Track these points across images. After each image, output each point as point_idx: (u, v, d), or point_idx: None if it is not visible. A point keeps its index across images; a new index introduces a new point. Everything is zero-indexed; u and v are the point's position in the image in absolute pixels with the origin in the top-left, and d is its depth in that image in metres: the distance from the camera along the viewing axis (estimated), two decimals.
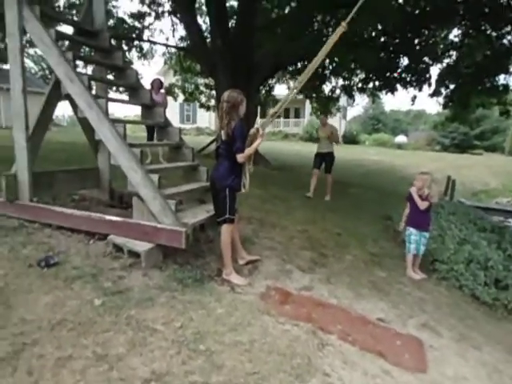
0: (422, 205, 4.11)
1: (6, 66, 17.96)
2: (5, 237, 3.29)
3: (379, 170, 16.49)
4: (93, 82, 4.09)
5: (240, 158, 3.18)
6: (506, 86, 10.20)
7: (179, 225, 3.10)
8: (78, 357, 2.03)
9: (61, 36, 3.75)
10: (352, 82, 12.92)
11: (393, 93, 11.55)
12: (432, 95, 11.21)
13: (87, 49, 7.71)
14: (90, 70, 10.35)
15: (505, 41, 9.87)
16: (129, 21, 12.62)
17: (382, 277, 4.01)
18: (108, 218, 3.32)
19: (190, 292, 2.88)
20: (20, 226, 3.54)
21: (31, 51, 20.00)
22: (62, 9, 11.94)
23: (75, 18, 10.76)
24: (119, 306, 2.52)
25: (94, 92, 3.96)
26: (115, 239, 3.24)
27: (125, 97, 11.77)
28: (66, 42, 4.31)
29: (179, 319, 2.50)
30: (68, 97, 3.56)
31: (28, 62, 22.51)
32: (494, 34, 9.83)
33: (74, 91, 3.32)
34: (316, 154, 7.50)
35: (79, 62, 7.64)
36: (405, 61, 11.25)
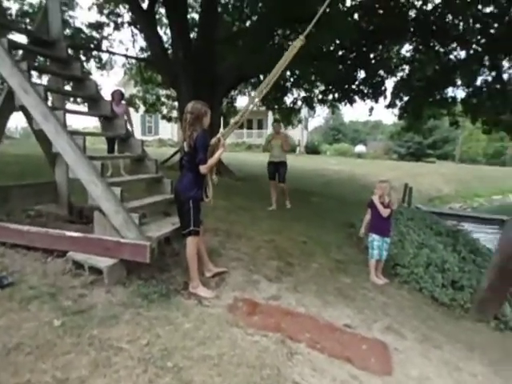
0: (385, 212, 4.26)
1: None
2: None
3: (340, 179, 16.97)
4: (49, 94, 3.94)
5: (203, 169, 3.16)
6: (453, 98, 10.90)
7: (143, 239, 3.03)
8: (36, 382, 1.91)
9: (14, 45, 3.59)
10: (312, 94, 13.28)
11: (351, 104, 12.00)
12: (388, 106, 11.75)
13: (42, 59, 7.45)
14: (45, 80, 9.97)
15: (452, 56, 10.59)
16: (87, 31, 12.33)
17: (347, 283, 4.10)
18: (67, 233, 3.18)
19: (156, 307, 2.80)
20: None
21: None
22: (14, 17, 11.46)
23: (29, 27, 10.37)
24: (81, 326, 2.40)
25: (50, 103, 3.81)
26: (75, 256, 3.10)
27: (84, 108, 11.41)
28: (20, 52, 4.12)
29: (145, 336, 2.42)
30: (22, 108, 3.42)
31: None
32: (441, 50, 10.52)
33: (29, 103, 3.19)
34: (269, 162, 7.35)
35: (34, 73, 7.35)
36: (362, 74, 11.76)
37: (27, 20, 11.13)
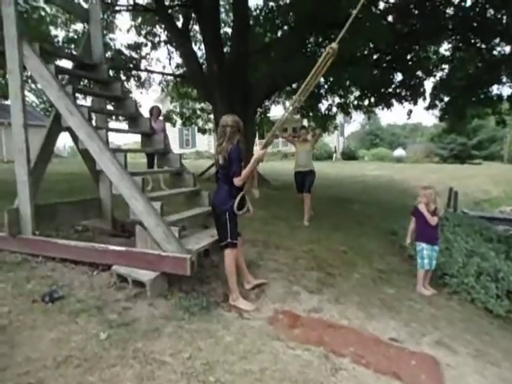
0: (433, 220, 4.07)
1: (7, 102, 18.29)
2: (8, 272, 3.26)
3: (379, 184, 16.48)
4: (93, 114, 4.14)
5: (237, 181, 3.18)
6: (499, 96, 10.30)
7: (183, 251, 3.07)
8: None
9: (60, 71, 3.82)
10: (348, 100, 13.08)
11: (388, 108, 11.67)
12: (427, 108, 11.32)
13: (86, 81, 7.86)
14: (89, 100, 10.51)
15: (495, 52, 10.04)
16: (126, 52, 12.92)
17: (392, 294, 3.94)
18: (111, 248, 3.29)
19: (197, 320, 2.82)
20: (23, 260, 3.51)
21: (32, 85, 20.40)
22: (60, 43, 12.25)
23: (74, 52, 11.03)
24: (125, 339, 2.46)
25: (94, 123, 4.01)
26: (119, 269, 3.20)
27: (124, 125, 11.92)
28: (66, 76, 4.37)
29: (187, 350, 2.44)
30: (69, 129, 3.60)
31: (29, 96, 22.90)
32: (484, 46, 10.02)
33: (75, 124, 3.36)
34: (295, 172, 6.56)
35: (79, 94, 7.78)
36: (398, 76, 11.44)
37: (72, 46, 11.82)
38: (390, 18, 9.92)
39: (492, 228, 7.17)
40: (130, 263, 3.19)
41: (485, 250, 4.85)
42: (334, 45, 3.29)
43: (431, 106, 11.22)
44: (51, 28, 13.02)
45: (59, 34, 12.59)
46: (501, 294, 3.95)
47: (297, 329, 2.95)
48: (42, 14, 12.53)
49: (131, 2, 12.45)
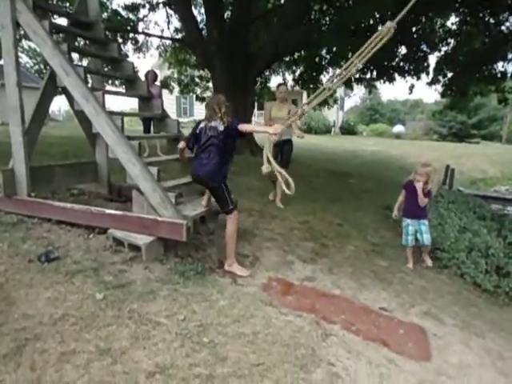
0: (423, 201, 4.05)
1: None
2: (4, 232, 3.26)
3: (377, 160, 16.45)
4: (89, 75, 4.03)
5: (241, 126, 3.14)
6: (504, 74, 10.13)
7: (179, 217, 3.08)
8: (81, 351, 2.02)
9: (55, 28, 3.67)
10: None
11: (391, 82, 11.47)
12: (430, 84, 11.14)
13: (81, 42, 7.61)
14: (85, 62, 10.22)
15: (503, 27, 9.79)
16: (123, 13, 12.45)
17: (384, 266, 4.00)
18: (108, 211, 3.29)
19: (192, 285, 2.86)
20: (19, 221, 3.51)
21: (25, 45, 19.78)
22: (54, 1, 11.76)
23: (69, 10, 10.60)
24: (121, 300, 2.50)
25: (90, 84, 3.90)
26: (115, 233, 3.21)
27: (121, 89, 11.64)
28: (61, 34, 4.22)
29: (182, 312, 2.49)
30: (64, 90, 3.52)
31: (23, 57, 22.22)
32: (492, 20, 9.75)
33: (70, 83, 3.27)
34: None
35: (74, 55, 7.55)
36: (403, 49, 11.16)
37: (67, 4, 11.35)
38: None
39: (486, 206, 7.24)
40: (126, 227, 3.20)
41: (477, 227, 4.91)
42: (390, 23, 2.93)
43: (434, 82, 11.03)
44: None
45: None
46: (490, 270, 4.02)
47: (290, 296, 3.01)
48: None
49: None
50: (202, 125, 3.31)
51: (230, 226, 3.27)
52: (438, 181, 4.23)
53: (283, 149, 5.23)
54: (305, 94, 23.51)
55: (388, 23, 2.95)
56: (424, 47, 10.86)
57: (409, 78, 11.21)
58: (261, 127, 3.24)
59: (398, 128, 37.00)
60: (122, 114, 3.42)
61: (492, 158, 20.27)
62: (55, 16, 7.28)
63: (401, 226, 5.12)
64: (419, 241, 4.17)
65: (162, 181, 3.37)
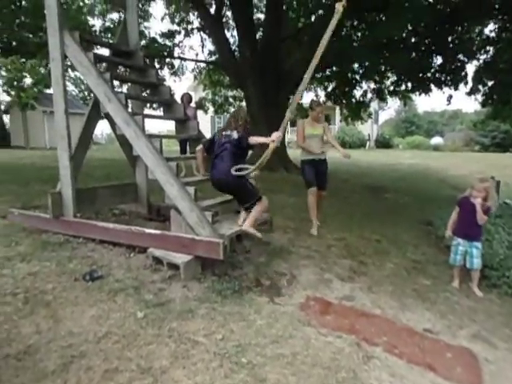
0: (482, 220, 3.79)
1: (49, 90, 19.08)
2: (52, 252, 3.44)
3: (415, 173, 15.95)
4: (129, 100, 4.24)
5: (251, 139, 3.45)
6: None
7: (216, 236, 3.12)
8: (123, 369, 2.06)
9: (98, 58, 3.92)
10: (383, 85, 12.65)
11: (427, 93, 11.20)
12: (469, 94, 10.76)
13: (122, 69, 8.03)
14: (125, 87, 10.76)
15: None
16: (160, 40, 13.08)
17: (427, 285, 3.83)
18: (147, 231, 3.39)
19: (230, 303, 2.87)
20: (65, 241, 3.69)
21: (71, 74, 21.13)
22: (98, 33, 12.57)
23: (111, 41, 11.28)
24: (161, 319, 2.55)
25: (130, 109, 4.10)
26: (155, 252, 3.30)
27: (159, 112, 12.13)
28: (104, 63, 4.49)
29: (220, 331, 2.49)
30: (107, 115, 3.71)
31: (68, 85, 23.79)
32: None
33: (113, 110, 3.45)
34: (306, 161, 4.99)
35: (116, 82, 7.98)
36: (438, 60, 10.91)
37: (109, 35, 12.10)
38: None
39: None
40: (165, 246, 3.28)
41: None
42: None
43: (473, 91, 10.65)
44: (89, 18, 13.39)
45: (96, 23, 12.90)
46: None
47: (328, 316, 2.94)
48: (81, 4, 12.88)
49: None
50: (218, 133, 3.66)
51: (258, 208, 3.48)
52: (496, 197, 3.91)
53: (318, 170, 4.98)
54: (337, 109, 23.41)
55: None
56: (461, 56, 10.56)
57: (446, 89, 10.90)
58: (263, 138, 3.47)
59: (436, 140, 35.84)
60: (161, 137, 3.56)
61: None
62: (98, 47, 7.76)
63: (444, 242, 4.92)
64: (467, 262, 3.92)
65: (199, 200, 3.45)
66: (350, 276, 3.73)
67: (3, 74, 16.52)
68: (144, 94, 5.80)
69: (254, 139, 3.49)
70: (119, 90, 10.66)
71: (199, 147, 3.75)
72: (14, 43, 12.96)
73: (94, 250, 3.54)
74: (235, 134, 3.48)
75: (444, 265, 4.34)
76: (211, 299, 2.90)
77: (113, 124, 3.75)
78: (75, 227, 3.73)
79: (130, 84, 5.00)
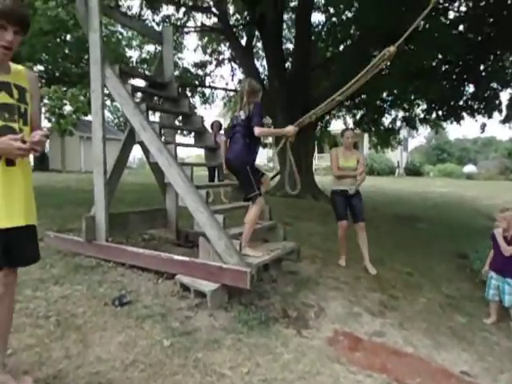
0: (508, 250, 3.64)
1: (85, 117, 20.09)
2: (84, 275, 3.52)
3: (448, 202, 15.46)
4: (163, 129, 4.40)
5: (258, 130, 3.39)
6: None
7: (244, 265, 3.11)
8: None
9: (135, 89, 4.12)
10: (413, 113, 12.54)
11: (458, 122, 11.00)
12: (503, 122, 10.47)
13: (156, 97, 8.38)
14: (157, 115, 11.20)
15: None
16: (192, 70, 13.63)
17: (463, 323, 3.64)
18: (176, 257, 3.43)
19: (256, 335, 2.82)
20: (97, 264, 3.77)
21: (107, 102, 22.25)
22: (134, 63, 13.28)
23: (146, 71, 11.86)
24: (187, 348, 2.53)
25: (163, 137, 4.25)
26: (182, 279, 3.32)
27: (191, 140, 12.48)
28: (139, 94, 4.71)
29: (246, 364, 2.44)
30: (141, 143, 3.85)
31: (105, 112, 24.97)
32: None
33: (147, 139, 3.58)
34: (336, 192, 4.76)
35: (150, 111, 8.32)
36: (470, 88, 10.75)
37: (145, 65, 12.74)
38: (461, 28, 9.42)
39: None
40: (193, 273, 3.29)
41: None
42: (392, 48, 3.19)
43: (508, 119, 10.36)
44: (127, 49, 14.19)
45: (133, 54, 13.65)
46: None
47: (358, 352, 2.83)
48: (120, 37, 13.69)
49: (199, 24, 13.14)
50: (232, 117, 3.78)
51: (253, 210, 3.47)
52: None
53: (352, 202, 4.68)
54: (366, 136, 23.27)
55: (391, 47, 3.17)
56: (494, 85, 10.37)
57: (479, 117, 10.68)
58: (275, 130, 3.61)
59: (469, 168, 34.79)
60: (192, 165, 3.64)
61: None
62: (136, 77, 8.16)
63: (478, 277, 4.70)
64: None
65: (228, 228, 3.46)
66: (380, 310, 3.60)
67: (46, 101, 17.56)
68: (177, 121, 6.01)
69: (263, 132, 3.54)
70: (152, 117, 11.10)
71: (223, 138, 3.86)
72: (57, 73, 13.86)
73: (123, 274, 3.59)
74: (242, 115, 3.52)
75: (480, 301, 4.13)
76: (237, 330, 2.86)
77: (146, 152, 3.88)
78: (106, 251, 3.82)
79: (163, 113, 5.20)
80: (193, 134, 5.01)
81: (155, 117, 11.15)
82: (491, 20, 8.99)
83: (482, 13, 8.87)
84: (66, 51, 12.36)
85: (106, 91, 3.99)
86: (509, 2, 8.56)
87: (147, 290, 3.33)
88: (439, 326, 3.46)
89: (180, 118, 5.40)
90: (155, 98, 5.85)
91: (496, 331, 3.54)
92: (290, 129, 3.61)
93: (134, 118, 3.65)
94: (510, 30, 8.62)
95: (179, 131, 13.05)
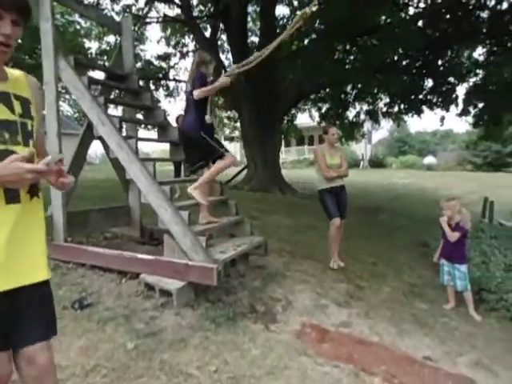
0: (452, 236, 3.81)
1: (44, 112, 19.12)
2: None
3: (409, 193, 16.03)
4: (123, 123, 4.23)
5: (195, 93, 3.44)
6: None
7: (210, 261, 3.05)
8: None
9: (93, 81, 3.92)
10: (376, 107, 12.85)
11: (419, 115, 11.38)
12: (460, 115, 10.95)
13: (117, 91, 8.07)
14: (120, 109, 10.82)
15: None
16: (156, 62, 13.26)
17: (425, 309, 3.77)
18: (139, 256, 3.32)
19: (223, 332, 2.78)
20: (55, 266, 3.59)
21: (67, 96, 21.27)
22: (94, 55, 12.74)
23: (106, 63, 11.41)
24: (152, 350, 2.45)
25: (124, 131, 4.09)
26: (147, 278, 3.22)
27: (153, 134, 12.17)
28: (99, 86, 4.50)
29: (214, 362, 2.40)
30: (100, 138, 3.69)
31: (64, 106, 23.90)
32: None
33: (106, 133, 3.43)
34: (327, 190, 4.57)
35: (110, 104, 8.01)
36: (429, 82, 11.13)
37: (105, 57, 12.24)
38: (420, 23, 9.71)
39: None
40: (158, 272, 3.20)
41: None
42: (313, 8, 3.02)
43: (464, 113, 10.84)
44: (85, 40, 13.59)
45: (93, 46, 13.09)
46: None
47: (325, 344, 2.86)
48: (78, 27, 13.08)
49: (161, 14, 12.78)
50: None
51: (221, 162, 3.53)
52: (466, 215, 3.94)
53: (340, 198, 4.68)
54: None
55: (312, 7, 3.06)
56: (451, 79, 10.79)
57: (438, 110, 11.09)
58: (211, 86, 3.51)
59: (429, 159, 36.22)
60: (154, 160, 3.53)
61: None
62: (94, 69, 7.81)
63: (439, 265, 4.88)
64: None
65: (193, 224, 3.39)
66: (346, 301, 3.66)
67: None
68: (139, 115, 5.81)
69: (203, 92, 3.48)
70: (114, 111, 10.72)
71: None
72: (9, 65, 13.04)
73: (84, 275, 3.44)
74: (189, 86, 3.59)
75: (441, 288, 4.29)
76: (205, 327, 2.81)
77: (106, 147, 3.72)
78: (66, 252, 3.64)
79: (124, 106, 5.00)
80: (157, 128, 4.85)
81: (118, 111, 10.77)
82: (448, 16, 9.32)
83: (440, 9, 9.18)
84: (19, 41, 11.67)
85: (62, 84, 3.78)
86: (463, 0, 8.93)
87: (109, 291, 3.20)
88: (402, 313, 3.57)
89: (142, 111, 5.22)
90: (116, 90, 5.64)
91: (455, 316, 3.69)
92: (226, 79, 3.56)
93: (92, 112, 3.48)
94: (465, 27, 9.00)
95: (143, 125, 12.75)
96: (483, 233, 6.06)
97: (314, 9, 3.04)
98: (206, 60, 3.70)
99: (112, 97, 5.06)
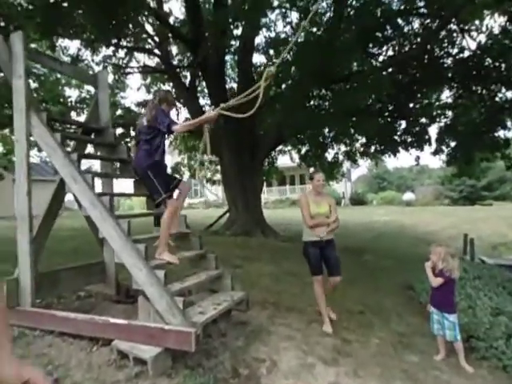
0: (434, 282, 3.77)
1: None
2: None
3: (391, 231, 16.14)
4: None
5: (176, 127, 3.46)
6: (506, 141, 10.27)
7: (188, 325, 2.87)
8: None
9: (67, 137, 3.86)
10: (353, 148, 13.18)
11: (395, 155, 11.70)
12: (434, 154, 11.30)
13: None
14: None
15: (497, 98, 10.15)
16: (136, 109, 13.38)
17: (415, 362, 3.62)
18: (112, 321, 3.11)
19: None
20: (20, 334, 3.32)
21: None
22: (74, 103, 12.78)
23: (85, 111, 11.45)
24: None
25: (100, 187, 3.98)
26: (120, 345, 2.99)
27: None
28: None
29: None
30: (74, 194, 3.56)
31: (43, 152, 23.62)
32: (485, 92, 10.16)
33: (78, 190, 3.32)
34: (310, 243, 4.21)
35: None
36: (402, 124, 11.56)
37: (84, 105, 12.29)
38: (389, 70, 10.21)
39: None
40: (132, 338, 2.98)
41: (511, 307, 4.52)
42: (273, 68, 3.48)
43: (438, 152, 11.21)
44: (66, 88, 13.69)
45: (73, 94, 13.18)
46: None
47: None
48: (58, 76, 13.20)
49: (141, 64, 13.08)
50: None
51: (166, 213, 3.47)
52: (453, 262, 3.83)
53: (327, 252, 4.24)
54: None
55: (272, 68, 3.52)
56: (423, 120, 11.24)
57: (412, 150, 11.43)
58: (196, 120, 3.63)
59: (408, 195, 36.98)
60: (129, 216, 3.41)
61: (509, 221, 19.76)
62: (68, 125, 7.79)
63: (427, 311, 4.78)
64: None
65: (170, 283, 3.22)
66: (334, 358, 3.48)
67: None
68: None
69: (184, 127, 3.67)
70: (88, 164, 10.59)
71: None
72: None
73: (51, 344, 3.18)
74: (145, 121, 3.53)
75: (430, 336, 4.16)
76: None
77: (80, 204, 3.59)
78: (32, 318, 3.39)
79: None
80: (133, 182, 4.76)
81: (95, 161, 10.65)
82: (415, 63, 9.85)
83: (407, 57, 9.70)
84: None
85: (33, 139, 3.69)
86: (428, 47, 9.48)
87: (79, 361, 2.95)
88: (392, 369, 3.40)
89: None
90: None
91: (446, 368, 3.55)
92: (214, 114, 3.62)
93: (64, 169, 3.38)
94: (431, 72, 9.51)
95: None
96: (466, 273, 6.03)
97: (273, 69, 3.49)
98: (170, 100, 3.74)
99: (88, 151, 4.98)
